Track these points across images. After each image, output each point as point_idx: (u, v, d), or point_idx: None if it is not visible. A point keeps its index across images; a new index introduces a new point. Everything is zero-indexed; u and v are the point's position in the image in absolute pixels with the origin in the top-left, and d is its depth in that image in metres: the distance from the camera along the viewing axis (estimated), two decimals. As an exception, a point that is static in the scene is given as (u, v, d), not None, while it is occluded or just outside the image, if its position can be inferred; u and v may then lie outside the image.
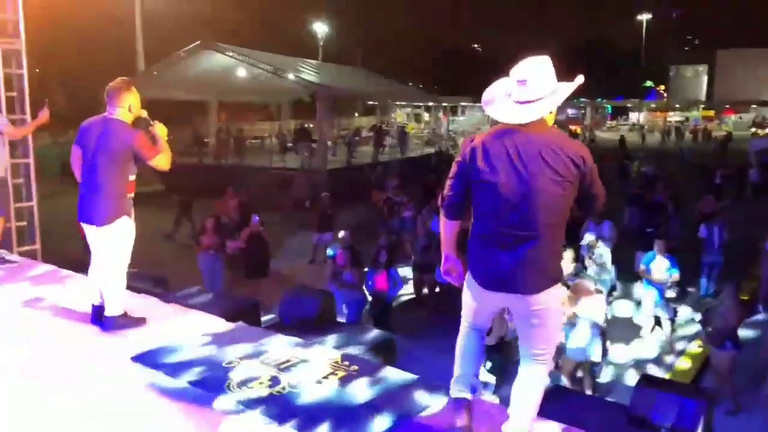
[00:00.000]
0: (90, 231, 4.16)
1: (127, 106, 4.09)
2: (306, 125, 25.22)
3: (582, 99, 50.01)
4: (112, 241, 4.11)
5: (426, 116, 41.37)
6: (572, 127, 45.43)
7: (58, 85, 33.65)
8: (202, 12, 33.41)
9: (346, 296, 8.03)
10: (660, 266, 8.70)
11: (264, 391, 3.36)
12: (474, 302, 2.80)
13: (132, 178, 4.17)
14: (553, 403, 3.78)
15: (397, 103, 35.72)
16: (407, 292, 10.30)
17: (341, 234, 9.18)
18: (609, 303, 8.71)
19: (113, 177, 4.06)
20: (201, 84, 23.48)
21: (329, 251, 9.74)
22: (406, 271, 10.49)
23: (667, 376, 7.52)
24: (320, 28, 38.07)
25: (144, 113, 4.22)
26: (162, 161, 4.17)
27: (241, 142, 23.82)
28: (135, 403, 3.28)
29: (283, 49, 26.19)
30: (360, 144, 25.47)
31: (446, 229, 2.84)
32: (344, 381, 3.48)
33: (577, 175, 2.54)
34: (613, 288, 9.69)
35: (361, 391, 3.38)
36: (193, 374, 3.57)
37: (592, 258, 9.42)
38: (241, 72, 22.89)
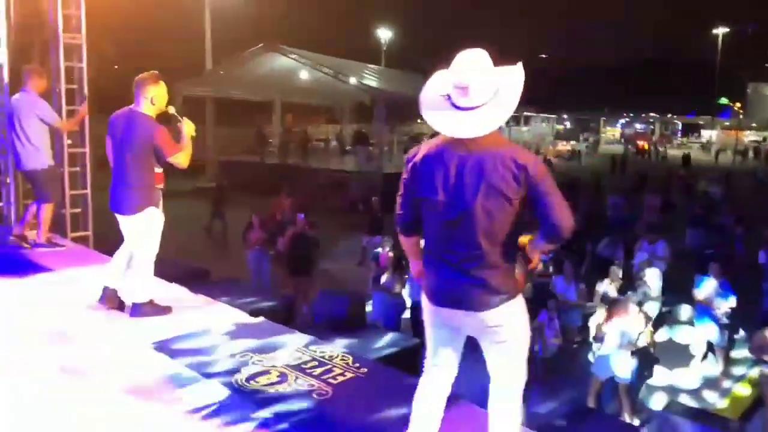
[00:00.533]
0: (120, 220, 4.30)
1: (149, 98, 4.14)
2: (364, 129, 25.37)
3: (651, 114, 48.46)
4: (139, 231, 4.23)
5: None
6: (639, 143, 44.13)
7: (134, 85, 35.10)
8: (269, 14, 34.16)
9: (385, 300, 7.99)
10: (714, 290, 8.30)
11: (270, 387, 3.37)
12: (431, 327, 2.64)
13: (158, 170, 4.26)
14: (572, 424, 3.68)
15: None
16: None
17: (387, 237, 9.17)
18: (658, 325, 8.39)
19: (138, 169, 4.16)
20: (265, 85, 24.00)
21: (373, 254, 9.75)
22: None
23: (723, 402, 7.18)
24: (384, 34, 38.36)
25: (172, 109, 4.27)
26: (181, 159, 4.21)
27: (303, 144, 24.19)
28: (145, 389, 3.34)
29: (347, 54, 26.48)
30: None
31: (406, 244, 2.71)
32: (350, 382, 3.46)
33: (520, 190, 2.33)
34: (662, 310, 9.32)
35: (364, 393, 3.35)
36: (206, 364, 3.62)
37: (642, 278, 9.12)
38: (304, 74, 23.30)
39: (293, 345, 3.96)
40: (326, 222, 15.20)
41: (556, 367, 7.69)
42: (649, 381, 7.45)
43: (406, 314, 8.39)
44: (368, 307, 8.59)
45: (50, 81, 7.28)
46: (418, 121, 39.91)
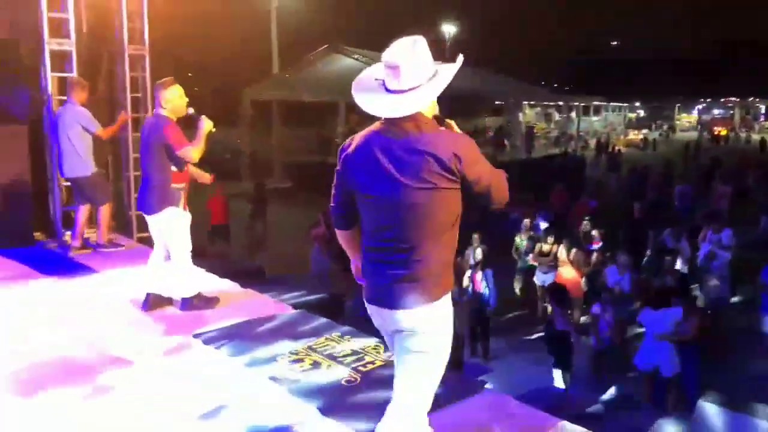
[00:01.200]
0: (147, 220, 4.57)
1: (165, 101, 4.37)
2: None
3: (731, 98, 46.16)
4: (164, 230, 4.46)
5: (557, 116, 40.24)
6: (716, 129, 42.15)
7: (208, 91, 36.49)
8: (333, 16, 34.70)
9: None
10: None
11: (303, 375, 3.56)
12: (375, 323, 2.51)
13: (174, 169, 4.41)
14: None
15: (526, 102, 35.06)
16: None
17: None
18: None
19: (155, 169, 4.38)
20: (329, 86, 24.42)
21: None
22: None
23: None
24: (448, 29, 38.23)
25: (191, 110, 4.50)
26: (189, 153, 4.33)
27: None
28: (186, 375, 3.60)
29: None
30: (482, 145, 25.22)
31: (343, 238, 2.58)
32: (378, 370, 3.61)
33: (451, 178, 2.20)
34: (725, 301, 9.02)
35: (390, 380, 3.48)
36: (245, 353, 3.86)
37: (710, 270, 8.87)
38: (367, 74, 23.57)
39: (329, 335, 4.15)
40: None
41: (609, 360, 7.60)
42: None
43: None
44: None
45: (116, 91, 7.81)
46: (485, 116, 39.71)
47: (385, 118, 2.29)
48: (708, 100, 53.29)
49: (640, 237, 10.47)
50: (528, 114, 39.36)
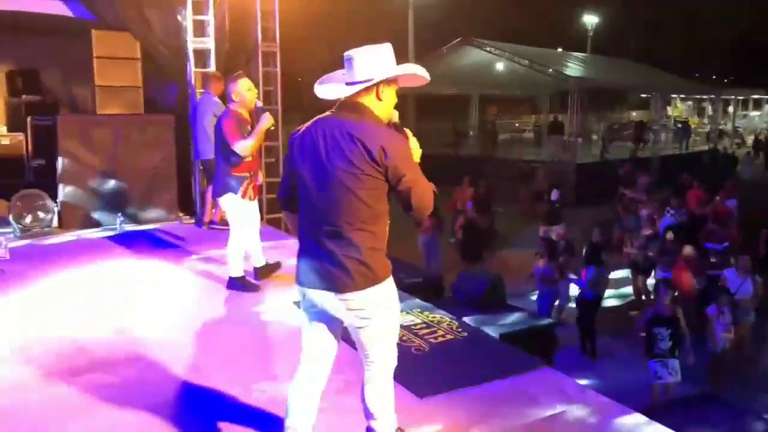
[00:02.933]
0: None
1: (234, 95, 4.71)
2: (561, 118, 24.84)
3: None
4: (226, 214, 4.88)
5: (710, 110, 37.47)
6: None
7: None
8: (467, 8, 34.63)
9: (541, 288, 8.14)
10: None
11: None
12: (303, 314, 2.59)
13: (233, 159, 4.62)
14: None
15: (675, 96, 33.03)
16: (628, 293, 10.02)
17: (558, 227, 9.25)
18: None
19: (219, 159, 4.75)
20: (463, 78, 24.60)
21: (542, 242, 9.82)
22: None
23: None
24: (590, 20, 36.83)
25: (259, 103, 4.84)
26: (242, 147, 4.55)
27: (495, 135, 24.39)
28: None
29: (550, 42, 26.08)
30: (622, 139, 24.40)
31: (289, 220, 2.76)
32: (448, 343, 3.90)
33: (377, 168, 2.30)
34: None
35: (457, 352, 3.77)
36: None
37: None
38: (500, 66, 23.49)
39: (411, 309, 4.47)
40: (510, 211, 15.46)
41: (728, 365, 7.26)
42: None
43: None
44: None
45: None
46: (632, 112, 37.86)
47: (334, 108, 2.47)
48: None
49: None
50: (679, 108, 37.04)
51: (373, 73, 2.38)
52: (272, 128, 4.80)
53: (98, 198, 7.36)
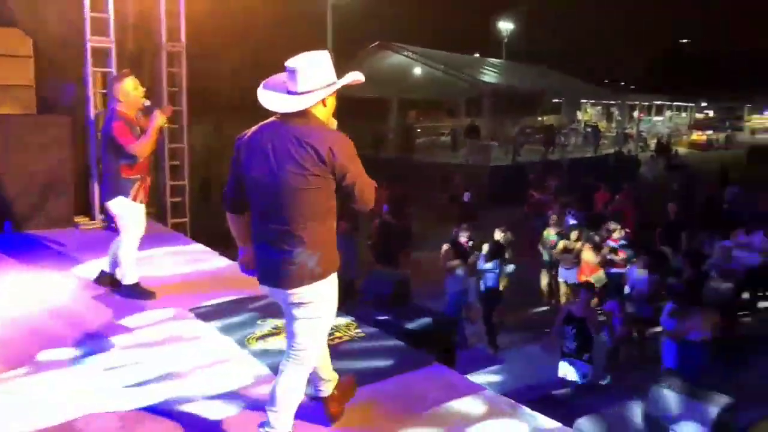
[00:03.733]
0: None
1: (119, 95, 4.50)
2: (477, 123, 25.48)
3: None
4: (117, 218, 4.66)
5: (617, 115, 39.39)
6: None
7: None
8: (386, 13, 35.00)
9: (449, 285, 8.28)
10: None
11: (274, 347, 3.86)
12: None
13: (123, 162, 4.47)
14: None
15: (585, 101, 34.52)
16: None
17: (465, 226, 9.40)
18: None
19: (107, 161, 4.58)
20: (382, 82, 24.79)
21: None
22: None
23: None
24: (505, 26, 37.95)
25: (147, 102, 4.64)
26: (137, 149, 4.43)
27: (412, 139, 24.72)
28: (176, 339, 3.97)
29: (466, 48, 26.65)
30: (534, 143, 25.26)
31: (232, 222, 2.82)
32: (345, 344, 3.91)
33: (325, 168, 2.47)
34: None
35: (352, 352, 3.77)
36: (226, 324, 4.23)
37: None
38: (418, 70, 23.85)
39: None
40: (427, 213, 15.68)
41: (622, 356, 7.62)
42: None
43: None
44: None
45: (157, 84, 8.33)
46: (544, 117, 39.25)
47: (280, 113, 2.57)
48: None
49: (674, 239, 10.35)
50: (589, 113, 38.70)
51: (315, 85, 2.52)
52: (165, 126, 4.65)
53: (-17, 202, 6.90)
